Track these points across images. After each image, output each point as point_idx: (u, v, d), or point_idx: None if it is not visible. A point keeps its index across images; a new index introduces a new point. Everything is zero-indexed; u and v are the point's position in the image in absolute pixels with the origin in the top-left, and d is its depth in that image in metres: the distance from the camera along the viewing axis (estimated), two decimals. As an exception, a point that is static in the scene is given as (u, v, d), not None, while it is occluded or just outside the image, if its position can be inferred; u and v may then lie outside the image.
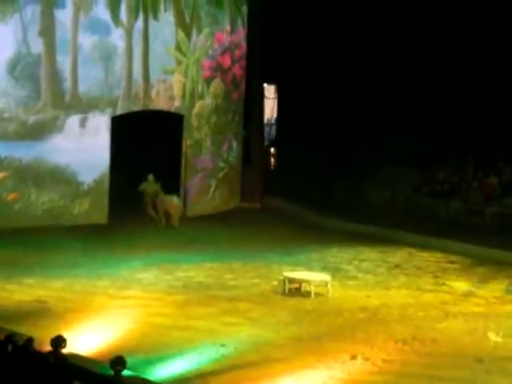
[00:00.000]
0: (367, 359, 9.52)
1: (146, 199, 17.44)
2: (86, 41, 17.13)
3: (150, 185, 17.43)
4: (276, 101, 22.81)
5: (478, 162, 18.91)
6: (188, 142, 18.97)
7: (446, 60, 18.47)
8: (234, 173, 20.04)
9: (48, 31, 16.67)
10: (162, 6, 17.99)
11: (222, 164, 19.74)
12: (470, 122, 18.51)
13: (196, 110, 19.01)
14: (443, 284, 13.29)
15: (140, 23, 17.74)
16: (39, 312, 11.07)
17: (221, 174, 19.65)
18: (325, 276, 12.82)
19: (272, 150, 23.15)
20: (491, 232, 16.65)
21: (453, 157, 18.84)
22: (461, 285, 13.31)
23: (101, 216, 17.35)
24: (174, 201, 17.48)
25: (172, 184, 18.43)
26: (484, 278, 13.84)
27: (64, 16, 16.80)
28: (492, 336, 10.47)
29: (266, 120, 22.58)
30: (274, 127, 23.23)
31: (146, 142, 17.84)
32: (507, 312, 11.74)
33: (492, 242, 15.66)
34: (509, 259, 14.84)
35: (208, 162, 19.40)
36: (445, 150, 18.71)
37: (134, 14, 17.64)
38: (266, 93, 22.29)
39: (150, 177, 17.36)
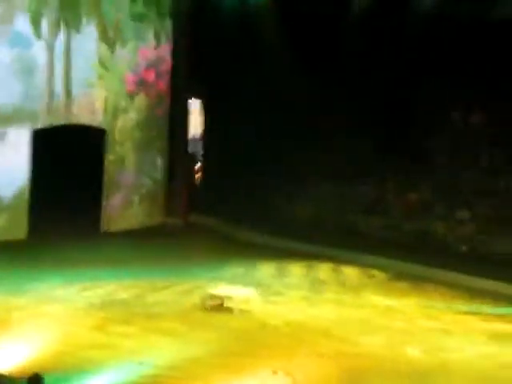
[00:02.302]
0: (289, 374, 9.48)
1: None
2: (6, 54, 16.80)
3: None
4: (201, 116, 22.75)
5: (398, 177, 19.12)
6: (111, 158, 18.75)
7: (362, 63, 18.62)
8: (157, 188, 19.87)
9: (-34, 44, 16.32)
10: (84, 20, 17.80)
11: (145, 179, 19.57)
12: (390, 132, 18.72)
13: (119, 124, 18.83)
14: (364, 299, 13.40)
15: (62, 36, 17.51)
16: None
17: (144, 190, 19.48)
18: (249, 292, 12.77)
19: (197, 165, 23.06)
20: (410, 248, 16.91)
21: (374, 171, 19.02)
22: (381, 300, 13.43)
23: (20, 232, 16.95)
24: None
25: (94, 199, 18.22)
26: (404, 292, 14.00)
27: (-17, 29, 16.49)
28: (411, 351, 10.58)
29: (191, 135, 22.48)
30: (200, 142, 23.16)
31: (67, 157, 17.60)
32: (426, 327, 11.89)
33: (411, 258, 15.89)
34: (426, 274, 15.09)
35: (131, 177, 19.22)
36: (366, 164, 18.88)
37: (55, 27, 17.39)
38: (192, 107, 22.21)
39: None
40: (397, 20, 17.37)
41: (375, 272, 15.47)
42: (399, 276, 15.14)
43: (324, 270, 15.63)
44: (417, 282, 14.72)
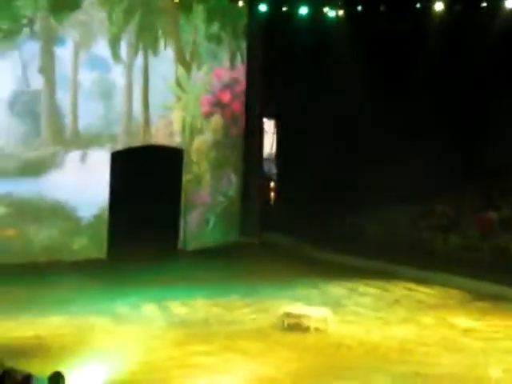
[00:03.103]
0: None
1: None
2: (86, 77, 17.26)
3: None
4: (275, 135, 22.87)
5: (477, 196, 18.89)
6: (187, 177, 19.04)
7: (439, 95, 18.50)
8: (232, 207, 20.06)
9: (48, 68, 16.81)
10: (161, 43, 18.17)
11: (221, 198, 19.79)
12: (468, 154, 18.52)
13: (195, 145, 19.11)
14: (443, 319, 13.26)
15: (140, 59, 17.90)
16: (37, 348, 11.03)
17: (219, 209, 19.69)
18: (324, 311, 12.78)
19: (271, 184, 23.17)
20: (489, 267, 16.62)
21: (451, 190, 18.83)
22: (460, 320, 13.26)
23: (100, 251, 17.35)
24: None
25: (171, 218, 18.51)
26: (483, 313, 13.80)
27: (64, 53, 16.95)
28: (493, 371, 10.42)
29: (265, 154, 22.62)
30: (273, 162, 23.26)
31: (145, 177, 17.90)
32: (507, 347, 11.71)
33: (490, 277, 15.64)
34: (506, 294, 14.83)
35: (207, 196, 19.46)
36: (443, 184, 18.70)
37: (133, 50, 17.80)
38: (266, 127, 22.36)
39: None
40: (474, 35, 17.22)
41: (453, 291, 15.28)
42: (478, 296, 14.92)
43: (400, 289, 15.51)
44: (496, 301, 14.49)
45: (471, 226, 18.20)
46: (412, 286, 15.74)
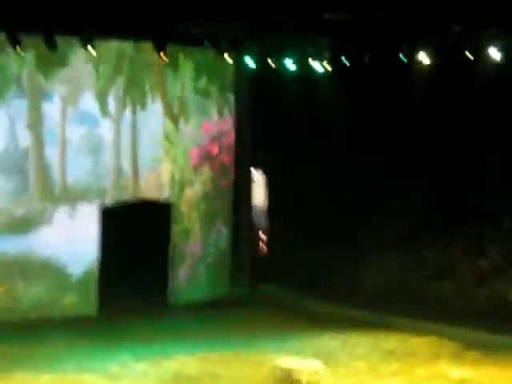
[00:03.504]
0: None
1: None
2: (74, 132, 17.32)
3: None
4: (265, 186, 22.93)
5: (467, 242, 18.89)
6: (177, 229, 19.00)
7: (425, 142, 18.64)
8: (223, 259, 20.00)
9: (35, 124, 16.87)
10: (149, 97, 18.29)
11: (211, 250, 19.74)
12: (455, 200, 18.57)
13: (185, 197, 19.13)
14: (437, 370, 13.16)
15: (128, 114, 18.00)
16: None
17: (210, 261, 19.62)
18: (317, 364, 12.68)
19: (262, 235, 23.14)
20: (483, 315, 16.55)
21: (440, 237, 18.84)
22: (455, 370, 13.16)
23: (90, 308, 17.22)
24: None
25: (161, 271, 18.43)
26: (478, 362, 13.69)
27: (52, 109, 17.02)
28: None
29: (256, 205, 22.65)
30: (263, 212, 23.28)
31: (134, 231, 17.89)
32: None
33: (484, 326, 15.56)
34: (501, 343, 14.74)
35: (197, 248, 19.41)
36: (433, 229, 18.73)
37: (121, 105, 17.91)
38: (255, 178, 22.43)
39: None
40: (459, 84, 17.42)
41: (446, 341, 15.19)
42: (472, 345, 14.80)
43: (392, 340, 15.40)
44: (490, 350, 14.38)
45: (463, 273, 18.19)
46: (405, 336, 15.63)
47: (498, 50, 15.64)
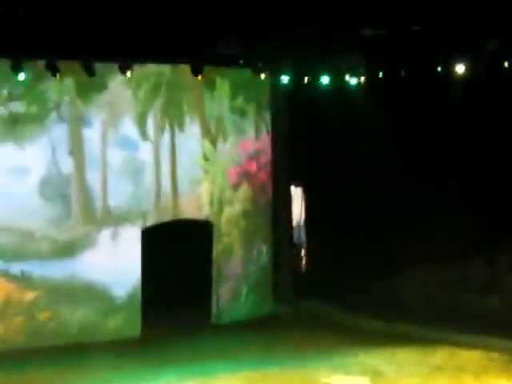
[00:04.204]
0: None
1: None
2: (115, 157, 17.46)
3: None
4: (304, 202, 22.93)
5: (510, 254, 18.69)
6: (218, 249, 19.05)
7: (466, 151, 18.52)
8: (265, 277, 20.00)
9: (76, 150, 17.05)
10: (187, 118, 18.41)
11: (252, 268, 19.74)
12: (500, 207, 18.39)
13: (225, 216, 19.17)
14: (486, 383, 13.03)
15: (167, 136, 18.12)
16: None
17: (252, 280, 19.62)
18: (363, 381, 12.63)
19: (302, 251, 23.12)
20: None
21: (486, 248, 18.66)
22: (503, 383, 13.01)
23: (134, 330, 17.31)
24: None
25: (203, 291, 18.48)
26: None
27: (92, 134, 17.19)
28: None
29: (294, 222, 22.64)
30: (303, 229, 23.26)
31: (176, 251, 17.99)
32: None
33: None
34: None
35: (238, 267, 19.43)
36: (477, 242, 18.56)
37: (160, 127, 18.05)
38: (294, 195, 22.43)
39: None
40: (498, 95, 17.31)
41: (495, 354, 15.02)
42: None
43: (440, 354, 15.26)
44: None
45: (508, 285, 17.99)
46: (452, 350, 15.50)
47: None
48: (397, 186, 19.33)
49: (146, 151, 17.86)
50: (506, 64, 15.76)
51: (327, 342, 16.37)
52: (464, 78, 16.61)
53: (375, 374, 13.78)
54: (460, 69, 16.39)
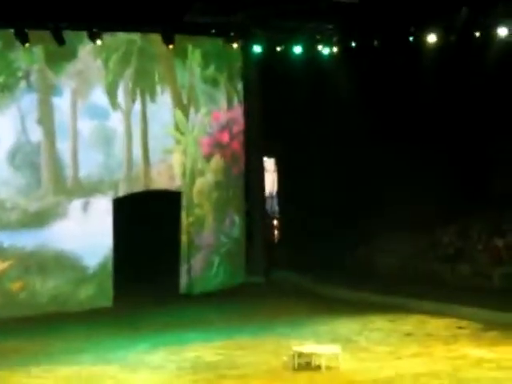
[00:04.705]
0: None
1: None
2: (85, 126, 17.33)
3: None
4: (276, 173, 22.93)
5: (481, 224, 18.86)
6: (190, 220, 19.00)
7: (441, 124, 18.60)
8: (237, 248, 20.00)
9: (46, 119, 16.89)
10: (158, 88, 18.25)
11: (224, 239, 19.72)
12: (470, 181, 18.52)
13: (197, 187, 19.11)
14: (455, 351, 13.14)
15: (138, 106, 17.98)
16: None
17: (224, 250, 19.62)
18: (335, 348, 12.66)
19: (275, 222, 23.16)
20: (500, 295, 16.51)
21: (455, 219, 18.81)
22: (473, 351, 13.14)
23: (106, 300, 17.28)
24: None
25: (174, 262, 18.46)
26: (495, 342, 13.65)
27: (62, 103, 17.04)
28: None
29: (267, 193, 22.65)
30: (275, 199, 23.29)
31: (147, 222, 17.93)
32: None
33: (501, 306, 15.52)
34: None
35: (210, 238, 19.40)
36: (449, 212, 18.69)
37: (131, 97, 17.89)
38: (266, 166, 22.41)
39: None
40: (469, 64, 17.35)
41: (464, 322, 15.15)
42: (490, 325, 14.75)
43: (411, 322, 15.38)
44: (508, 330, 14.32)
45: (479, 254, 18.15)
46: (423, 318, 15.61)
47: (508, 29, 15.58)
48: (370, 155, 19.40)
49: (116, 121, 17.75)
50: (478, 33, 15.80)
51: (299, 312, 16.43)
52: (436, 48, 16.66)
53: (347, 341, 13.84)
54: (432, 38, 16.41)
